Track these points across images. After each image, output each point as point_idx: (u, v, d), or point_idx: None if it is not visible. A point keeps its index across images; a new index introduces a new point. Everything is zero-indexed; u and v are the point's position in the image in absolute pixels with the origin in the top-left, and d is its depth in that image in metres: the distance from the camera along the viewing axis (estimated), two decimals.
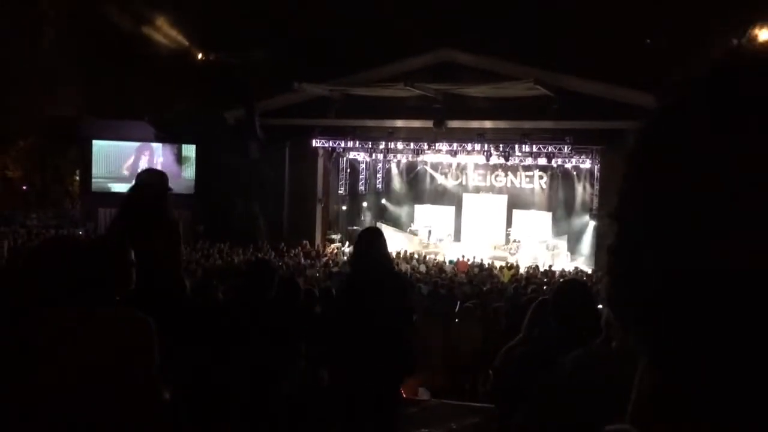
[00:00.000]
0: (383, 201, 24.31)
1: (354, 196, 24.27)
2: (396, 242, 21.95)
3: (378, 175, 24.49)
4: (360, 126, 21.21)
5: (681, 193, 0.46)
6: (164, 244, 2.99)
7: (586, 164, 20.40)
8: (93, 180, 22.40)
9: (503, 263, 19.00)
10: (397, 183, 24.21)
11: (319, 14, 22.63)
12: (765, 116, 0.44)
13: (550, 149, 19.47)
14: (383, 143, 21.04)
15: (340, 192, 23.84)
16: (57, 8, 21.81)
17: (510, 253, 20.72)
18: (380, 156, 22.75)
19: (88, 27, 21.51)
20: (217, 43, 22.64)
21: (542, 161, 20.54)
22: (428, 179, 23.87)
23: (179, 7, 22.14)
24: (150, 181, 3.38)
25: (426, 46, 20.27)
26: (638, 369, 0.53)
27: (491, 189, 23.26)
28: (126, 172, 22.04)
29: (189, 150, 22.81)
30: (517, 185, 22.90)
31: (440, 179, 23.71)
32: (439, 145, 20.39)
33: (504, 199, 22.86)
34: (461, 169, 23.30)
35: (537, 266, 18.10)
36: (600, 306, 2.90)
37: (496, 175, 23.06)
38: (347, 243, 22.71)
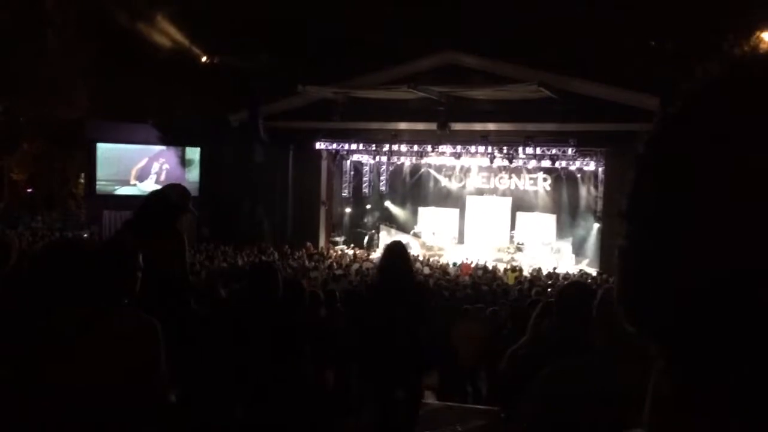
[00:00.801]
0: (387, 203, 24.32)
1: (358, 199, 24.29)
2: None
3: (382, 178, 24.50)
4: (364, 129, 21.24)
5: (694, 194, 0.47)
6: (172, 249, 3.02)
7: (590, 166, 20.39)
8: (97, 183, 22.45)
9: (507, 266, 18.98)
10: (400, 185, 24.22)
11: (322, 17, 22.67)
12: None
13: (554, 151, 19.45)
14: (387, 146, 21.06)
15: (343, 194, 23.87)
16: (62, 10, 21.90)
17: (509, 252, 20.73)
18: (384, 158, 22.77)
19: (92, 29, 21.60)
20: (221, 46, 22.70)
21: (546, 163, 20.51)
22: (432, 182, 23.87)
23: (184, 10, 22.21)
24: (172, 194, 3.41)
25: (430, 49, 20.28)
26: (653, 373, 0.53)
27: (495, 191, 23.23)
28: (133, 177, 22.12)
29: (193, 153, 22.85)
30: (521, 188, 22.86)
31: (444, 182, 23.71)
32: (442, 148, 20.39)
33: (508, 201, 22.84)
34: (465, 171, 23.28)
35: (540, 269, 18.08)
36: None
37: (500, 178, 23.03)
38: (351, 245, 22.74)
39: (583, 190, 21.45)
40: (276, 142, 21.30)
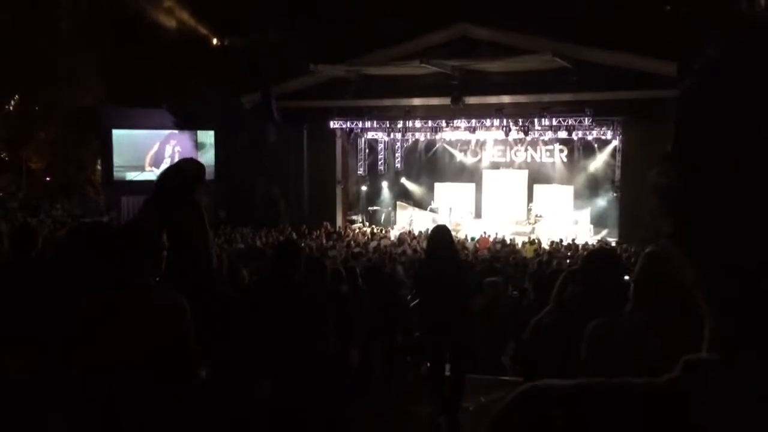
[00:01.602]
0: (402, 180, 24.27)
1: (373, 177, 24.26)
2: (417, 221, 21.97)
3: (396, 155, 24.42)
4: (377, 106, 21.13)
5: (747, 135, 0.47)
6: (193, 222, 3.04)
7: (607, 136, 20.16)
8: (114, 169, 22.61)
9: (525, 239, 18.92)
10: (416, 162, 24.13)
11: None
12: None
13: (569, 122, 19.23)
14: (401, 122, 20.94)
15: (359, 173, 23.84)
16: None
17: (530, 223, 20.66)
18: (398, 135, 22.67)
19: (105, 16, 21.60)
20: (231, 27, 22.61)
21: (562, 134, 20.29)
22: (447, 157, 23.75)
23: None
24: (187, 167, 3.42)
25: (441, 22, 20.04)
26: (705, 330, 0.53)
27: (511, 164, 23.08)
28: (148, 163, 22.27)
29: (207, 136, 22.91)
30: (538, 160, 22.69)
31: (459, 156, 23.58)
32: (457, 122, 20.24)
33: (524, 174, 22.69)
34: (480, 145, 23.13)
35: (561, 240, 18.00)
36: (627, 276, 2.89)
37: (516, 151, 22.86)
38: (368, 223, 22.77)
39: (600, 160, 21.25)
40: (289, 122, 21.27)
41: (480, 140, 22.67)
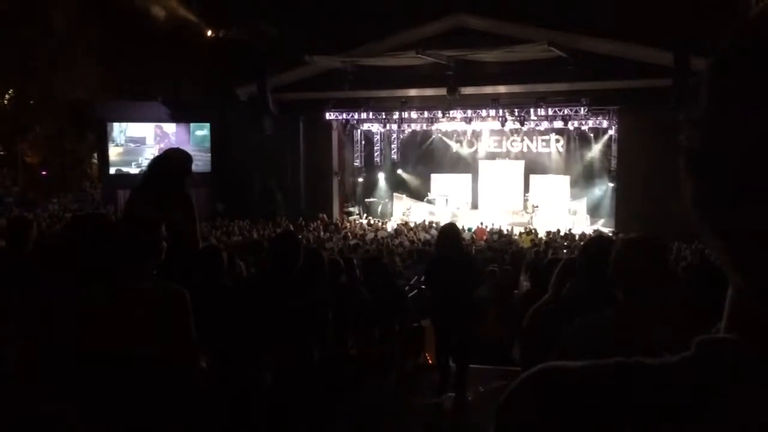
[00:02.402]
0: (399, 171, 24.26)
1: (370, 168, 24.23)
2: (413, 212, 21.97)
3: (393, 146, 24.39)
4: (373, 97, 21.08)
5: None
6: (182, 211, 3.05)
7: (603, 125, 20.17)
8: (110, 162, 22.56)
9: (522, 229, 18.94)
10: (412, 153, 24.11)
11: None
12: None
13: (566, 112, 19.23)
14: (397, 113, 20.92)
15: (355, 164, 23.82)
16: None
17: (527, 213, 20.69)
18: (394, 126, 22.64)
19: (99, 9, 21.48)
20: (226, 19, 22.50)
21: (558, 124, 20.30)
22: (443, 148, 23.72)
23: None
24: (174, 156, 3.42)
25: (437, 12, 19.98)
26: (729, 289, 0.53)
27: (507, 155, 23.06)
28: (143, 155, 22.20)
29: (203, 128, 22.85)
30: (534, 150, 22.68)
31: (455, 147, 23.55)
32: (453, 113, 20.22)
33: (521, 164, 22.68)
34: (476, 136, 23.10)
35: (558, 230, 18.03)
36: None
37: (512, 141, 22.84)
38: (365, 215, 22.77)
39: (596, 150, 21.26)
40: (285, 114, 21.21)
41: (476, 131, 22.64)
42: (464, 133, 22.89)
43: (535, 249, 13.33)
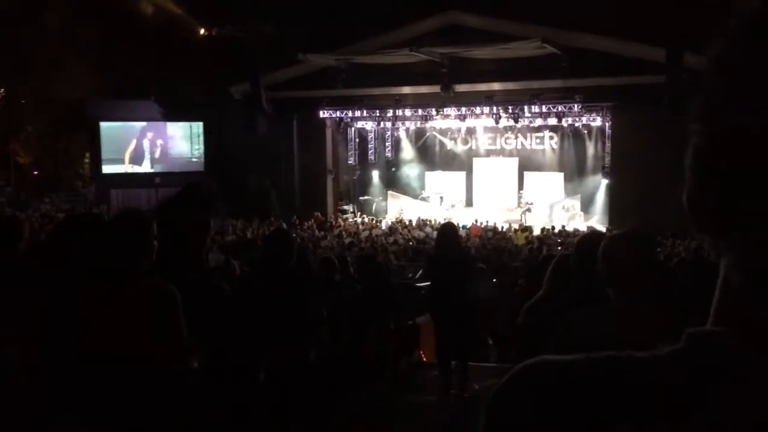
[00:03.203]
0: (393, 169, 24.24)
1: (364, 166, 24.21)
2: (409, 210, 21.97)
3: (387, 144, 24.36)
4: (367, 95, 21.05)
5: None
6: (194, 228, 3.07)
7: (597, 122, 20.20)
8: (102, 162, 22.43)
9: (516, 226, 18.97)
10: (406, 151, 24.10)
11: None
12: None
13: (559, 109, 19.26)
14: (391, 111, 20.89)
15: (349, 162, 23.78)
16: None
17: (521, 208, 20.74)
18: (388, 124, 22.62)
19: (91, 6, 21.37)
20: (219, 18, 22.43)
21: (552, 121, 20.33)
22: (437, 145, 23.73)
23: None
24: (206, 187, 3.47)
25: (430, 9, 19.97)
26: (721, 272, 0.53)
27: (501, 152, 23.10)
28: (128, 161, 22.15)
29: (197, 127, 22.77)
30: (528, 147, 22.72)
31: (449, 145, 23.57)
32: (447, 110, 20.20)
33: (515, 161, 22.72)
34: (470, 133, 23.13)
35: (553, 227, 18.06)
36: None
37: (506, 138, 22.87)
38: (359, 213, 22.76)
39: (590, 147, 21.30)
40: (279, 112, 21.16)
41: (470, 128, 22.66)
42: (458, 130, 22.91)
43: (529, 246, 13.35)
